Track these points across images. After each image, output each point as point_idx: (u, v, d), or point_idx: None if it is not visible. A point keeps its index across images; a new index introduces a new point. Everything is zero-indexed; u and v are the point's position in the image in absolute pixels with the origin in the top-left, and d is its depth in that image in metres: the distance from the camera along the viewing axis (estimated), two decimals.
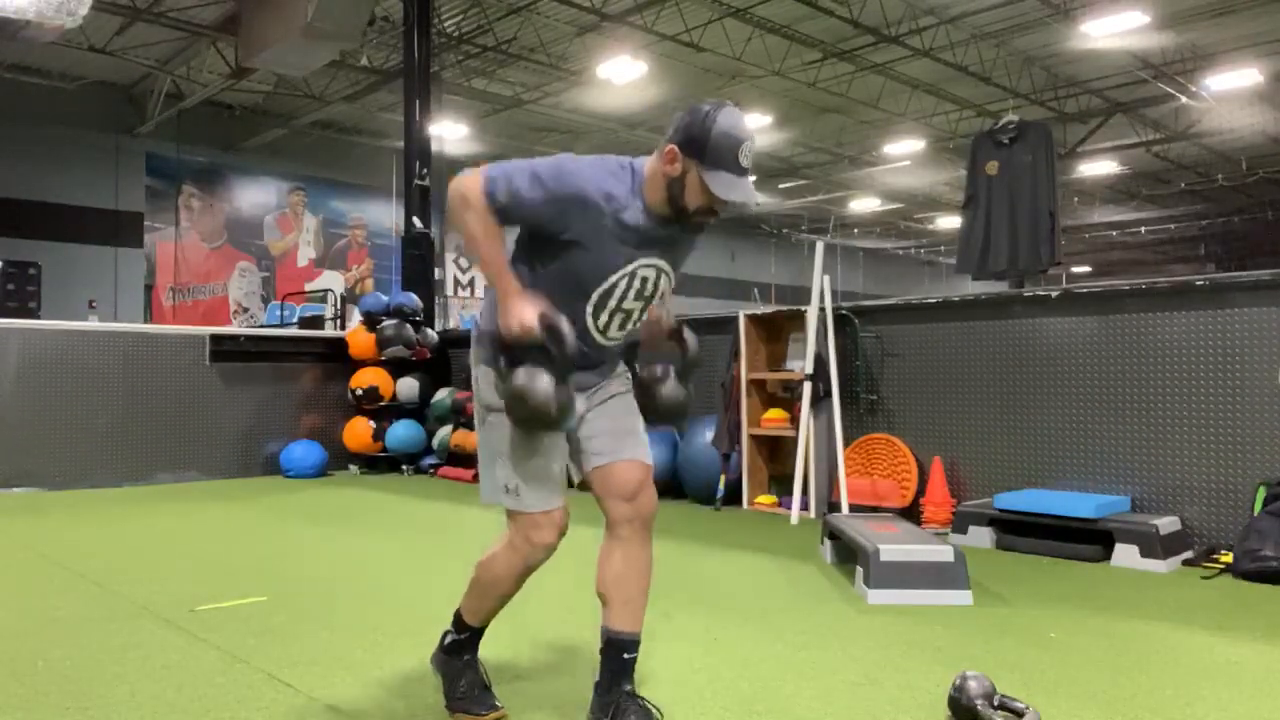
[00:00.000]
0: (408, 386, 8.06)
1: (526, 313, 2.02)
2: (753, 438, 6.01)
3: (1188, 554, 4.20)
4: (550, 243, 2.09)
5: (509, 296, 2.06)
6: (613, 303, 2.14)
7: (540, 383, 2.02)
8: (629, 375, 2.35)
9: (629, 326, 2.23)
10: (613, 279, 2.11)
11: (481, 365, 2.23)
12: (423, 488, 7.14)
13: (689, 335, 2.27)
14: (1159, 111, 17.89)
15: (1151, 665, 2.74)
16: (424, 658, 2.48)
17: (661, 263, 2.16)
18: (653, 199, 2.08)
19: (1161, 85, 15.91)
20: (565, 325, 2.02)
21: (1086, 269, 31.44)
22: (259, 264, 18.90)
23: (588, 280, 2.11)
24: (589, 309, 2.13)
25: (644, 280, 2.15)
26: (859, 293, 27.11)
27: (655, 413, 2.29)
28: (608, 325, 2.18)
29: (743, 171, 2.03)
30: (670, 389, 2.27)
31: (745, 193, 2.03)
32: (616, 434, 2.23)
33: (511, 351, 2.08)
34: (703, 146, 2.00)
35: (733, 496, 5.98)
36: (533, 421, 2.05)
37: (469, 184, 2.07)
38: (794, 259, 28.52)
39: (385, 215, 20.17)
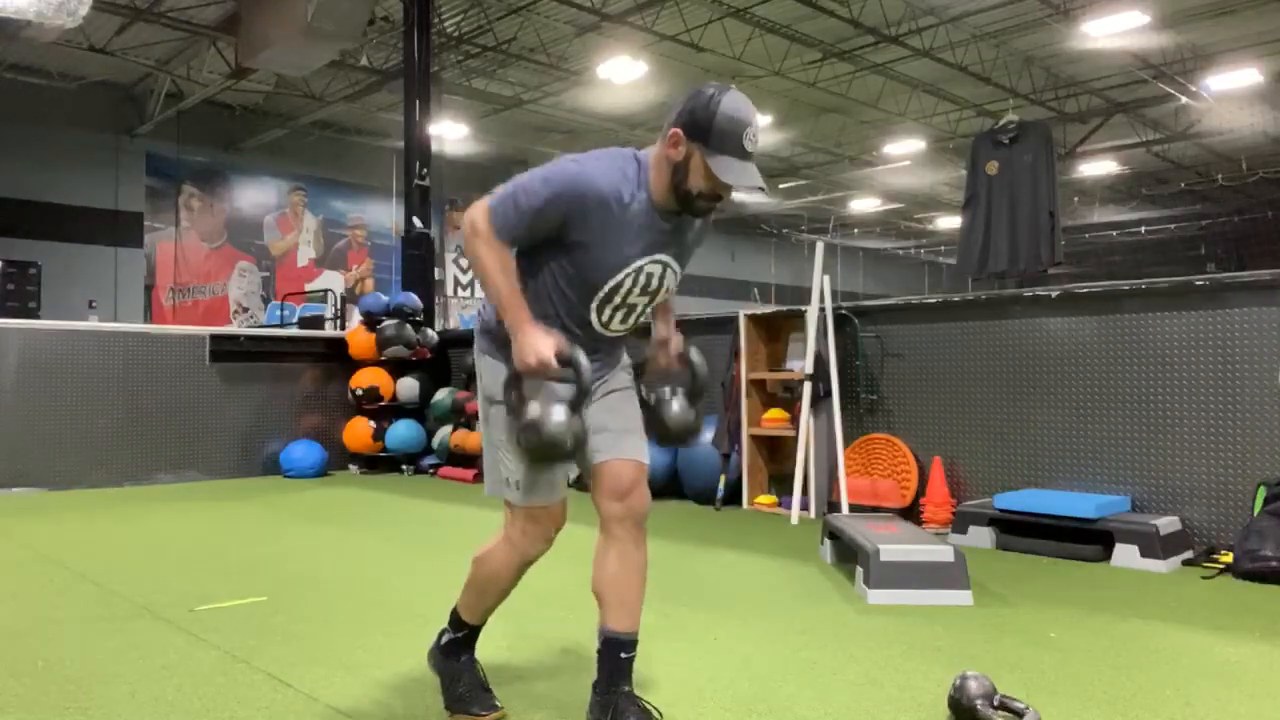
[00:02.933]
0: (408, 386, 8.06)
1: (542, 347, 1.98)
2: (753, 438, 6.01)
3: (1188, 554, 4.20)
4: (557, 243, 2.08)
5: (522, 329, 2.01)
6: (618, 298, 2.14)
7: (554, 415, 1.98)
8: (631, 370, 2.35)
9: (632, 321, 2.22)
10: (619, 276, 2.10)
11: (485, 357, 2.22)
12: (423, 488, 7.14)
13: (697, 358, 2.25)
14: (1159, 111, 17.89)
15: (1151, 665, 2.74)
16: (424, 658, 2.47)
17: (666, 257, 2.14)
18: (658, 188, 2.07)
19: (1161, 85, 15.90)
20: (582, 358, 1.99)
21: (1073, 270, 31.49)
22: (259, 264, 18.90)
23: (594, 278, 2.10)
24: (594, 305, 2.13)
25: (649, 276, 2.14)
26: (859, 293, 27.11)
27: (664, 436, 2.27)
28: (611, 319, 2.18)
29: (747, 156, 2.01)
30: (678, 411, 2.25)
31: (750, 177, 2.01)
32: (614, 431, 2.22)
33: (522, 383, 2.04)
34: (707, 130, 1.98)
35: (733, 496, 5.98)
36: (545, 455, 2.01)
37: (477, 212, 2.06)
38: (794, 259, 28.52)
39: (385, 215, 20.17)
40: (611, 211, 2.03)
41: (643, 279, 2.13)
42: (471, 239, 2.06)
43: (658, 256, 2.12)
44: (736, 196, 2.12)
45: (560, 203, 2.01)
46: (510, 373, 2.06)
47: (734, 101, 1.99)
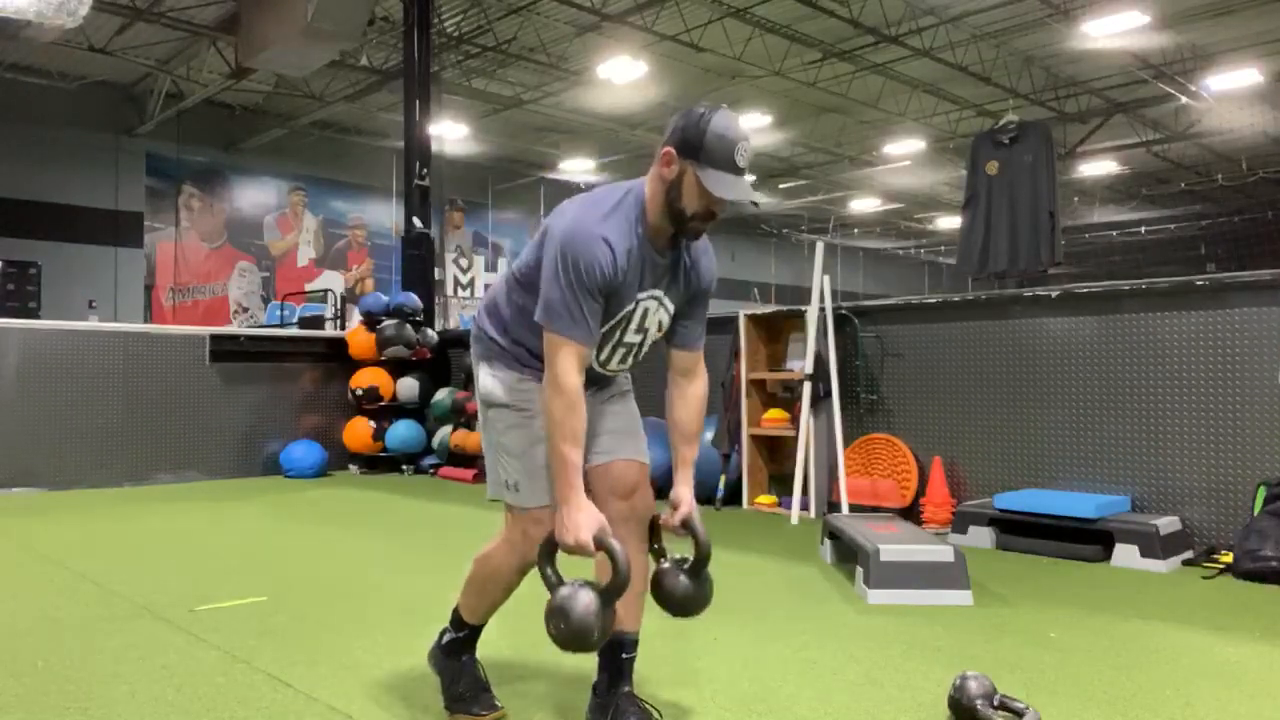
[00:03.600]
0: (408, 386, 8.06)
1: (583, 531, 1.97)
2: (753, 438, 6.01)
3: (1188, 554, 4.20)
4: None
5: (569, 505, 1.99)
6: (616, 336, 2.16)
7: (581, 603, 1.94)
8: (629, 376, 2.36)
9: (630, 361, 2.24)
10: (619, 316, 2.12)
11: (482, 363, 2.23)
12: (423, 488, 7.14)
13: (700, 527, 2.21)
14: (1159, 111, 17.89)
15: (1151, 665, 2.74)
16: (424, 658, 2.48)
17: (659, 293, 2.16)
18: (653, 214, 2.08)
19: (1161, 85, 15.90)
20: (618, 548, 1.95)
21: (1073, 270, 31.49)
22: (259, 264, 18.90)
23: (603, 322, 2.11)
24: (594, 347, 2.14)
25: (645, 312, 2.16)
26: (859, 293, 27.11)
27: (666, 608, 2.24)
28: (610, 359, 2.20)
29: (739, 171, 2.02)
30: (680, 586, 2.21)
31: (742, 192, 2.02)
32: (616, 433, 2.24)
33: (556, 556, 2.02)
34: (698, 147, 2.00)
35: (733, 496, 5.99)
36: (570, 643, 1.97)
37: (557, 364, 2.00)
38: (794, 259, 28.52)
39: (385, 215, 20.17)
40: (620, 273, 2.04)
41: (638, 315, 2.15)
42: (551, 396, 2.01)
43: (652, 292, 2.14)
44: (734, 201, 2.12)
45: (601, 289, 2.02)
46: (546, 539, 2.04)
47: (724, 119, 2.01)
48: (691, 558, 2.22)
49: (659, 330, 2.23)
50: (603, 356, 2.18)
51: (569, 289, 1.99)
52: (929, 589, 3.46)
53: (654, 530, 2.25)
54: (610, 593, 1.95)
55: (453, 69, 15.58)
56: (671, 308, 2.20)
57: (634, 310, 2.13)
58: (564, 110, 17.86)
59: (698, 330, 2.30)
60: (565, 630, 1.95)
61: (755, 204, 2.08)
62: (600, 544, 1.96)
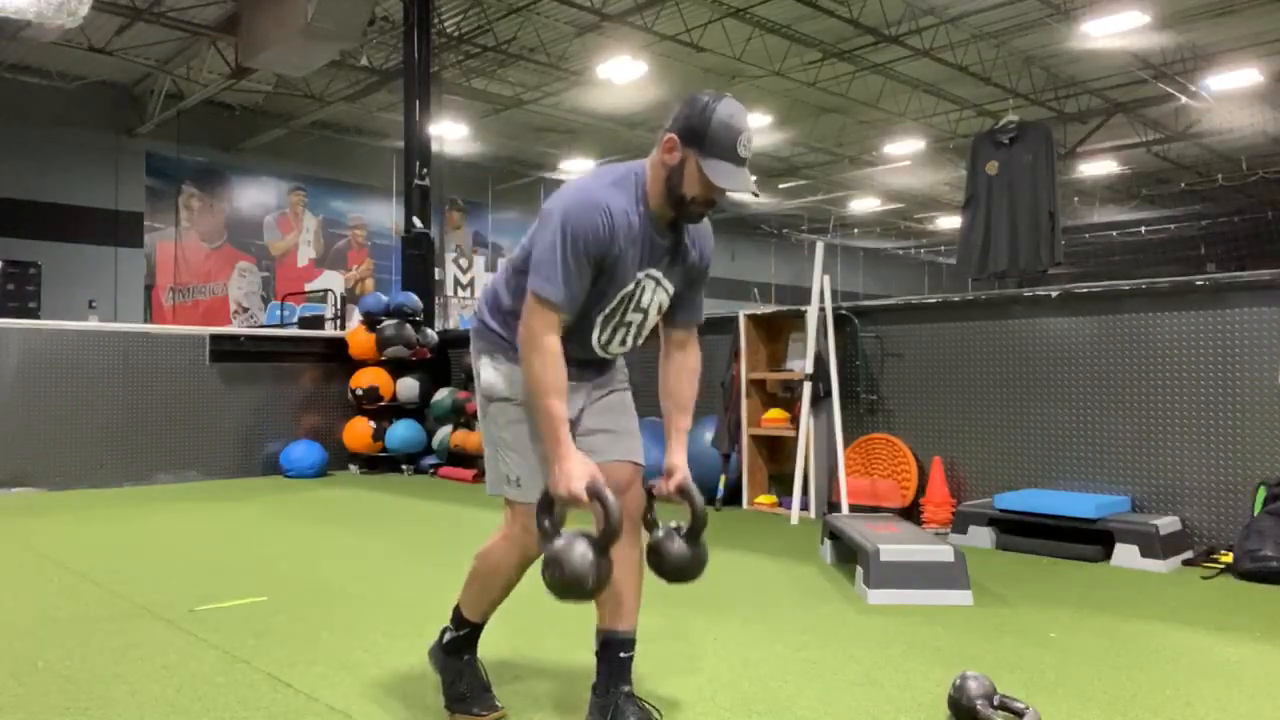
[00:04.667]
0: (408, 386, 8.06)
1: (575, 480, 1.98)
2: (753, 438, 6.01)
3: (1188, 554, 4.20)
4: None
5: (562, 457, 2.00)
6: (616, 318, 2.16)
7: (577, 552, 1.95)
8: (626, 371, 2.36)
9: (629, 342, 2.24)
10: (619, 295, 2.12)
11: (483, 357, 2.23)
12: (423, 488, 7.14)
13: (695, 494, 2.22)
14: (1159, 111, 17.89)
15: (1151, 665, 2.74)
16: (424, 658, 2.48)
17: (658, 273, 2.16)
18: (655, 198, 2.09)
19: (1161, 85, 15.91)
20: (610, 497, 1.97)
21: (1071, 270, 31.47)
22: (259, 264, 18.90)
23: (595, 302, 2.12)
24: (594, 327, 2.15)
25: (643, 290, 2.16)
26: (859, 293, 27.11)
27: (664, 575, 2.24)
28: (609, 340, 2.20)
29: (741, 161, 2.03)
30: (677, 549, 2.22)
31: (742, 182, 2.03)
32: (611, 432, 2.24)
33: (554, 508, 2.04)
34: (701, 135, 2.00)
35: (733, 496, 5.99)
36: (566, 592, 1.98)
37: (534, 319, 2.01)
38: (794, 259, 28.51)
39: (385, 215, 20.17)
40: (622, 249, 2.05)
41: (637, 295, 2.15)
42: (528, 350, 2.02)
43: (651, 272, 2.14)
44: (735, 197, 2.12)
45: (595, 256, 2.02)
46: (543, 494, 2.05)
47: (729, 108, 2.02)
48: (686, 525, 2.23)
49: (658, 312, 2.23)
50: (604, 337, 2.18)
51: (562, 250, 2.00)
52: (929, 589, 3.46)
53: (647, 501, 2.27)
54: (604, 540, 1.97)
55: (453, 69, 15.58)
56: (671, 289, 2.21)
57: (634, 290, 2.13)
58: (564, 110, 17.86)
59: (695, 308, 2.31)
60: (561, 578, 1.96)
61: (755, 194, 2.08)
62: (593, 493, 1.97)
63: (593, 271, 2.04)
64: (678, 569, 2.23)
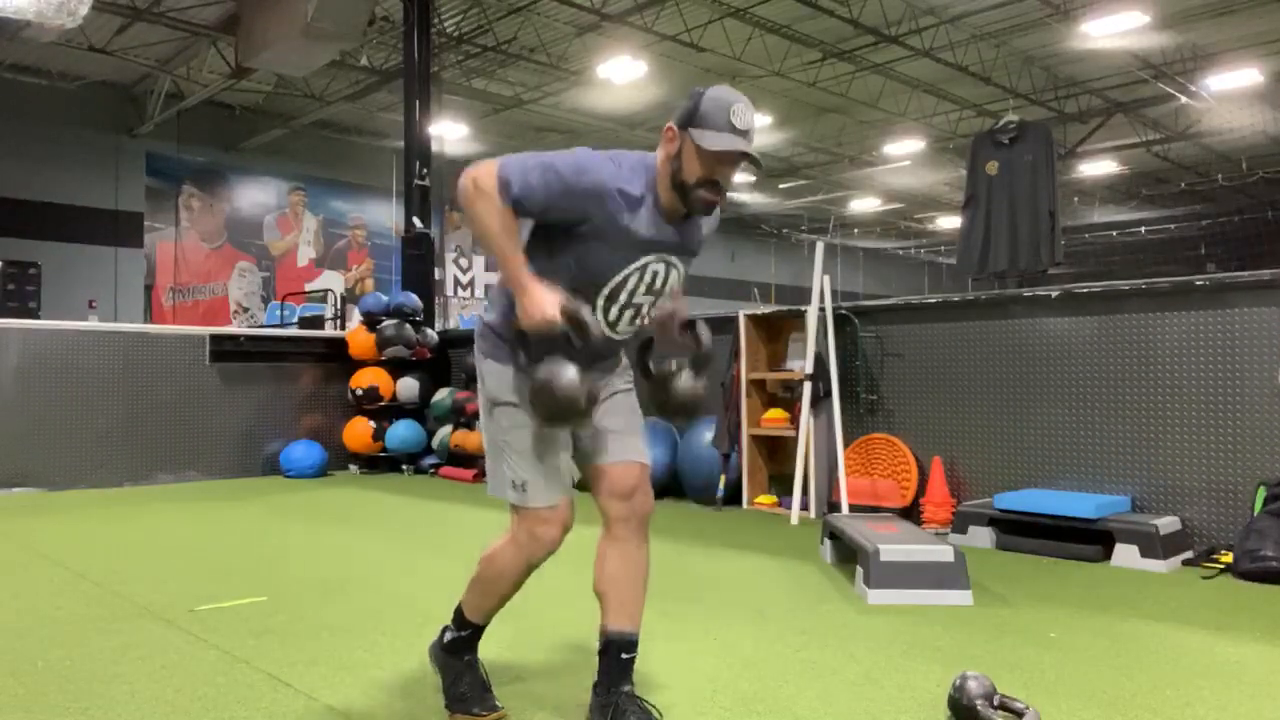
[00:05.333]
0: (408, 386, 8.06)
1: (547, 304, 1.99)
2: (753, 438, 6.01)
3: (1188, 554, 4.20)
4: (566, 233, 2.09)
5: (526, 288, 2.02)
6: (624, 297, 2.15)
7: (566, 374, 1.97)
8: (630, 372, 2.36)
9: (637, 322, 2.24)
10: (624, 272, 2.12)
11: (487, 360, 2.22)
12: (423, 488, 7.14)
13: (702, 329, 2.25)
14: (1159, 111, 17.89)
15: (1151, 665, 2.74)
16: (424, 658, 2.48)
17: (672, 257, 2.17)
18: (664, 190, 2.10)
19: (1161, 85, 15.91)
20: (587, 313, 1.99)
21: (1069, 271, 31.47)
22: (259, 264, 18.90)
23: (600, 273, 2.11)
24: (600, 303, 2.14)
25: (654, 274, 2.16)
26: (859, 293, 27.11)
27: (670, 408, 2.26)
28: (618, 320, 2.19)
29: (735, 131, 2.03)
30: (685, 383, 2.24)
31: (733, 142, 2.02)
32: (617, 433, 2.24)
33: (530, 346, 2.04)
34: (694, 114, 2.04)
35: (733, 496, 5.98)
36: (559, 415, 2.00)
37: (482, 173, 2.04)
38: (794, 259, 28.52)
39: (385, 215, 20.17)
40: (620, 208, 2.05)
41: (648, 276, 2.15)
42: (473, 197, 2.04)
43: (663, 256, 2.15)
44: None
45: (591, 196, 2.03)
46: (516, 332, 2.05)
47: (720, 89, 2.07)
48: (689, 359, 2.26)
49: (670, 291, 2.24)
50: (611, 316, 2.18)
51: (570, 170, 2.02)
52: (929, 589, 3.46)
53: (648, 345, 2.29)
54: (587, 359, 1.99)
55: (453, 69, 15.58)
56: (682, 270, 2.22)
57: (642, 270, 2.13)
58: (564, 110, 17.86)
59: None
60: (553, 403, 1.98)
61: (756, 161, 2.06)
62: (567, 313, 1.98)
63: (573, 214, 2.04)
64: (686, 403, 2.25)
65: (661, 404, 2.26)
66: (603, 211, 2.04)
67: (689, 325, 2.25)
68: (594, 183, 2.02)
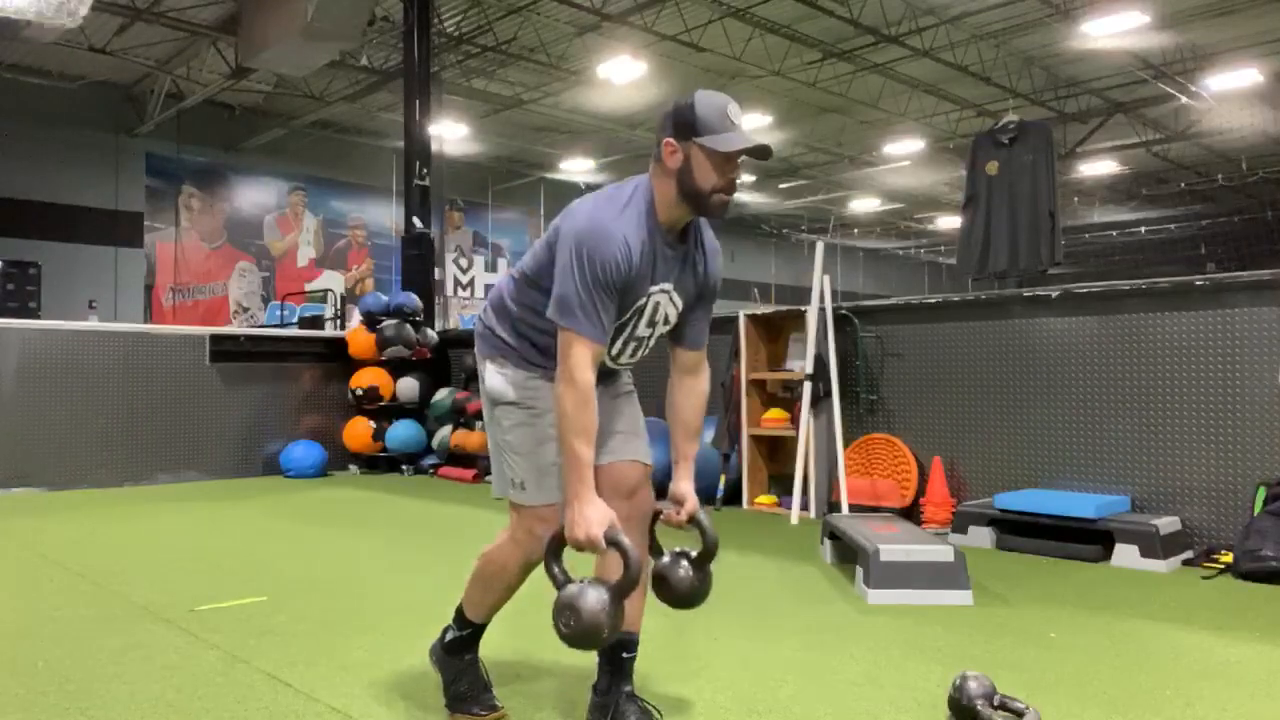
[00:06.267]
0: (408, 386, 8.06)
1: (594, 524, 1.96)
2: (753, 438, 6.01)
3: (1188, 554, 4.20)
4: None
5: (581, 500, 1.99)
6: (627, 332, 2.17)
7: (591, 600, 1.91)
8: (631, 374, 2.36)
9: (639, 354, 2.26)
10: (631, 310, 2.13)
11: (488, 361, 2.23)
12: (423, 488, 7.14)
13: (706, 521, 2.22)
14: (1159, 111, 17.89)
15: (1151, 665, 2.74)
16: (424, 658, 2.48)
17: (669, 286, 2.17)
18: (663, 208, 2.09)
19: (1161, 85, 15.91)
20: (629, 545, 1.93)
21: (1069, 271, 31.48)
22: (259, 264, 18.90)
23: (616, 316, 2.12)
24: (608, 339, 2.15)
25: (656, 305, 2.17)
26: (859, 293, 27.11)
27: (669, 601, 2.24)
28: (621, 353, 2.21)
29: (736, 129, 2.05)
30: (684, 577, 2.21)
31: (745, 139, 2.04)
32: (620, 433, 2.24)
33: (562, 551, 2.00)
34: (692, 122, 2.04)
35: (733, 496, 5.99)
36: (579, 640, 1.95)
37: (575, 360, 2.00)
38: (794, 259, 28.52)
39: (385, 215, 20.17)
40: (634, 268, 2.05)
41: (649, 309, 2.16)
42: (563, 386, 2.00)
43: (663, 286, 2.15)
44: (736, 197, 2.12)
45: (616, 286, 2.03)
46: (554, 536, 2.02)
47: (705, 94, 2.08)
48: (693, 551, 2.23)
49: (666, 324, 2.24)
50: (614, 350, 2.19)
51: (584, 287, 2.00)
52: (929, 589, 3.46)
53: (653, 522, 2.26)
54: (621, 590, 1.93)
55: (453, 69, 15.59)
56: (680, 302, 2.21)
57: (645, 304, 2.14)
58: (564, 110, 17.86)
59: (703, 329, 2.31)
60: (575, 628, 1.92)
61: (767, 150, 2.06)
62: (611, 540, 1.95)
63: (616, 298, 2.05)
64: (683, 597, 2.23)
65: (661, 596, 2.23)
66: (626, 281, 2.05)
67: (694, 517, 2.22)
68: (616, 276, 2.01)
